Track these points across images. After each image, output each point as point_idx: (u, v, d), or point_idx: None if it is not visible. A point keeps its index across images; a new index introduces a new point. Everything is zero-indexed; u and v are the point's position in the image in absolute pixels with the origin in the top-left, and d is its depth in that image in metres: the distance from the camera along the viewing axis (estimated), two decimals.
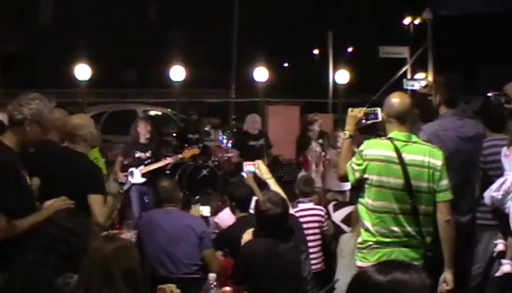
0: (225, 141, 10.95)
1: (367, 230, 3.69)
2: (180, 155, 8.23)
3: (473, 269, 4.56)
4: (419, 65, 17.02)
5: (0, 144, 3.44)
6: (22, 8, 22.69)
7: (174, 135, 10.87)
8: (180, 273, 4.44)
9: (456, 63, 16.29)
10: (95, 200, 3.93)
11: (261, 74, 12.62)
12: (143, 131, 7.85)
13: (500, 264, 4.35)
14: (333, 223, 5.65)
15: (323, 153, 8.54)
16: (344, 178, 3.87)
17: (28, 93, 3.60)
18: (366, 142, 3.74)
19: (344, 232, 5.41)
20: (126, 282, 2.47)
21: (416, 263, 3.38)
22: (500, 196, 4.23)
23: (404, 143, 3.65)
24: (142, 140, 7.87)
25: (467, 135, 4.27)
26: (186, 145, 8.89)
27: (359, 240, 3.77)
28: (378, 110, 3.84)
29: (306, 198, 5.65)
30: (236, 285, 3.84)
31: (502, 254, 4.37)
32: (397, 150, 3.62)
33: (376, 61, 18.27)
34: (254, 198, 4.73)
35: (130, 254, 2.58)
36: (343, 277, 4.63)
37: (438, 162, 3.63)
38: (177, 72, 12.43)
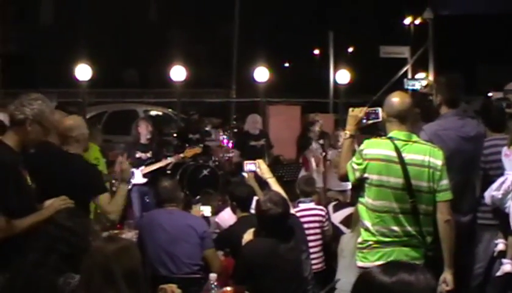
0: (225, 141, 10.93)
1: (367, 230, 3.69)
2: (181, 155, 8.23)
3: (474, 269, 4.56)
4: (420, 65, 16.98)
5: (1, 144, 3.44)
6: (22, 8, 22.64)
7: (175, 135, 10.83)
8: (181, 273, 4.43)
9: (457, 63, 16.31)
10: (104, 200, 4.01)
11: (261, 74, 12.60)
12: (144, 131, 7.83)
13: (501, 264, 4.36)
14: (332, 224, 5.64)
15: (324, 153, 8.54)
16: (344, 178, 3.86)
17: (30, 93, 3.60)
18: (366, 141, 3.73)
19: (342, 233, 5.40)
20: (127, 282, 2.46)
21: (417, 262, 3.39)
22: (500, 196, 4.25)
23: (404, 143, 3.64)
24: (143, 140, 7.86)
25: (468, 135, 4.26)
26: (186, 145, 8.88)
27: (360, 240, 3.77)
28: (379, 109, 3.83)
29: (307, 197, 5.64)
30: (237, 285, 3.85)
31: (503, 254, 4.38)
32: (397, 149, 3.61)
33: (377, 61, 18.25)
34: (255, 198, 4.72)
35: (132, 254, 2.58)
36: (344, 277, 4.64)
37: (438, 162, 3.63)
38: (178, 72, 12.41)
